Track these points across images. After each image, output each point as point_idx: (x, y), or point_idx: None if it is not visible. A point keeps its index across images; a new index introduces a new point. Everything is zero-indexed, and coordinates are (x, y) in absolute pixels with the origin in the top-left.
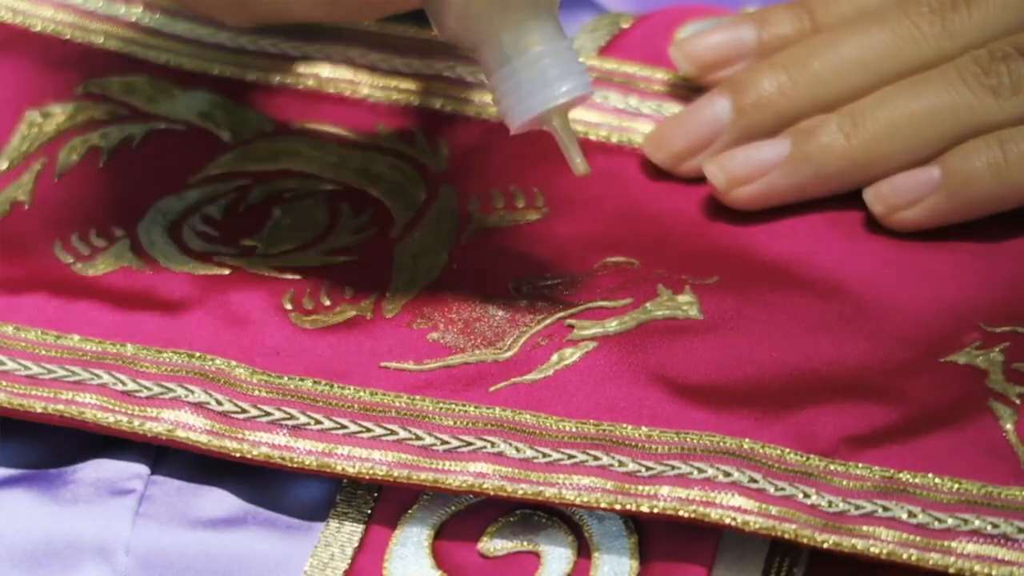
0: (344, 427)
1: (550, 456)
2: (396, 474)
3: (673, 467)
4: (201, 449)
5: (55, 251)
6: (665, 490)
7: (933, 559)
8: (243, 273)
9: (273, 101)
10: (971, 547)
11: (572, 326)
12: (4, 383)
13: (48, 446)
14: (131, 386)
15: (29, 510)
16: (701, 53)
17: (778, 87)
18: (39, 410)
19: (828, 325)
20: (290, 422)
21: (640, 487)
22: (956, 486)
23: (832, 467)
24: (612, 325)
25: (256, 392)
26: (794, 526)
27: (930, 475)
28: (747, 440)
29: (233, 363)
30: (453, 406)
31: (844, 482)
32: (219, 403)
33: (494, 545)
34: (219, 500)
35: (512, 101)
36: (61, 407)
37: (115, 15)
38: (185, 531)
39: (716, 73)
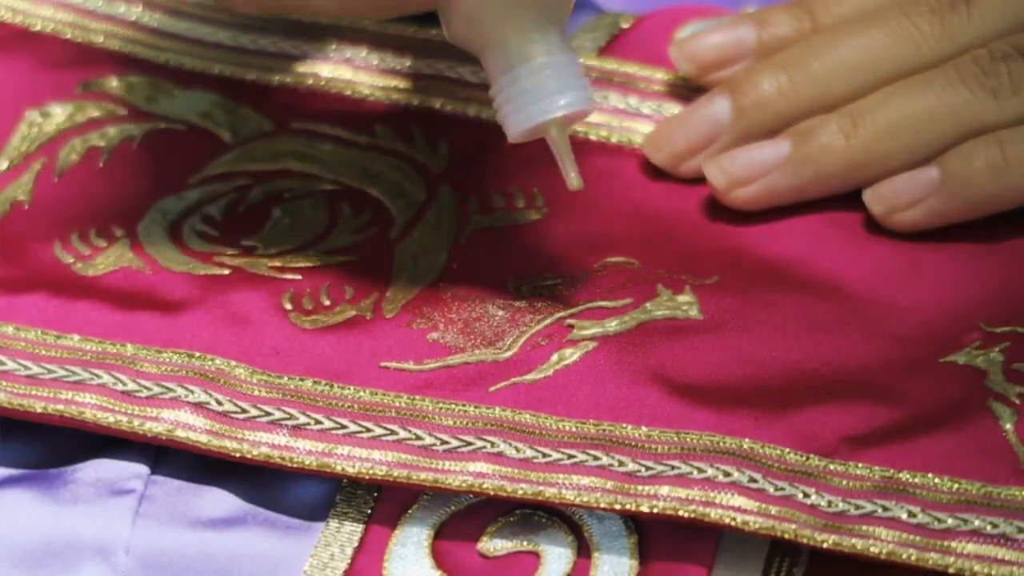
0: (344, 427)
1: (550, 456)
2: (396, 474)
3: (673, 467)
4: (201, 449)
5: (55, 251)
6: (665, 490)
7: (933, 559)
8: (243, 273)
9: (273, 101)
10: (971, 547)
11: (572, 326)
12: (4, 383)
13: (48, 446)
14: (131, 386)
15: (29, 510)
16: (701, 53)
17: (778, 87)
18: (39, 410)
19: (828, 325)
20: (290, 422)
21: (640, 487)
22: (956, 486)
23: (832, 467)
24: (612, 325)
25: (256, 392)
26: (794, 526)
27: (930, 475)
28: (747, 440)
29: (233, 363)
30: (453, 406)
31: (844, 482)
32: (219, 403)
33: (494, 545)
34: (219, 500)
35: (512, 109)
36: (61, 407)
37: (115, 14)
38: (185, 531)
39: (716, 73)
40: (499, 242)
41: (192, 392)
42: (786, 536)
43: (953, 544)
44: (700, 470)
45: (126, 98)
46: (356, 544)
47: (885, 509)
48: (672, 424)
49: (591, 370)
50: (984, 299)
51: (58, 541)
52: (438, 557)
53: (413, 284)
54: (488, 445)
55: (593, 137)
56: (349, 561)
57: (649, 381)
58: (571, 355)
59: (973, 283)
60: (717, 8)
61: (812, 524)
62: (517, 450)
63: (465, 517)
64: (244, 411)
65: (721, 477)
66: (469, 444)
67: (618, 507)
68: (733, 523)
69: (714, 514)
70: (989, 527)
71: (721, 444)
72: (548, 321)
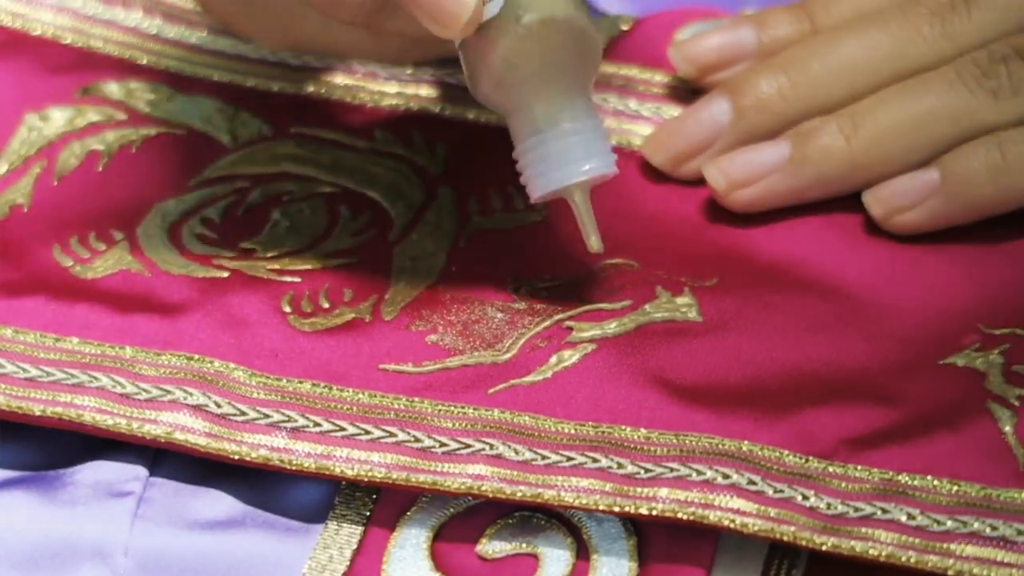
0: (343, 429)
1: (549, 458)
2: (395, 476)
3: (672, 469)
4: (200, 452)
5: (54, 254)
6: (664, 492)
7: (932, 561)
8: (242, 276)
9: (272, 107)
10: (970, 549)
11: (571, 328)
12: (3, 386)
13: (47, 448)
14: (130, 388)
15: (28, 512)
16: (701, 55)
17: (777, 89)
18: (38, 412)
19: (827, 327)
20: (289, 424)
21: (639, 489)
22: (955, 488)
23: (831, 469)
24: (611, 327)
25: (255, 394)
26: (793, 528)
27: (929, 477)
28: (746, 442)
29: (232, 365)
30: (452, 408)
31: (843, 484)
32: (218, 405)
33: (493, 547)
34: (217, 502)
35: (537, 172)
36: (60, 410)
37: (114, 20)
38: (183, 533)
39: (716, 75)
40: (498, 244)
41: (191, 394)
42: (785, 538)
43: (952, 546)
44: (699, 472)
45: (125, 102)
46: (355, 546)
47: (884, 511)
48: (671, 426)
49: (590, 372)
50: (983, 301)
51: (57, 543)
52: (437, 559)
53: (412, 286)
54: (487, 447)
55: None
56: (348, 563)
57: (648, 383)
58: (570, 357)
59: (972, 285)
60: (717, 10)
61: (811, 526)
62: (516, 452)
63: (464, 519)
64: (243, 413)
65: (720, 479)
66: (468, 446)
67: (617, 509)
68: (732, 525)
69: (713, 516)
70: (988, 529)
71: (720, 446)
72: (547, 323)
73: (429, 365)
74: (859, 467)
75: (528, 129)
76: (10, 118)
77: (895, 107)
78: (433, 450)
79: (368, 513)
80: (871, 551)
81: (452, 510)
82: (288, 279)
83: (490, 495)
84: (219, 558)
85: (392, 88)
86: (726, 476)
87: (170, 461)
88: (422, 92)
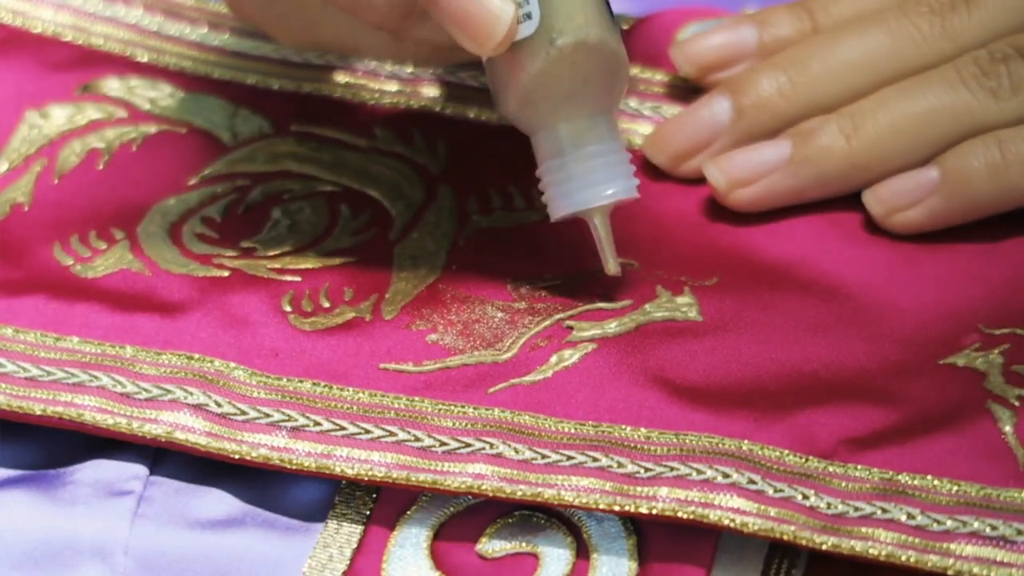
0: (343, 428)
1: (549, 457)
2: (395, 475)
3: (672, 468)
4: (200, 451)
5: (54, 253)
6: (664, 491)
7: (932, 561)
8: (242, 275)
9: (273, 105)
10: (970, 549)
11: (571, 327)
12: (3, 385)
13: (47, 447)
14: (130, 388)
15: (28, 511)
16: (702, 54)
17: (778, 88)
18: (38, 412)
19: (827, 327)
20: (289, 424)
21: (639, 488)
22: (955, 488)
23: (831, 469)
24: (611, 326)
25: (255, 394)
26: (793, 528)
27: (929, 477)
28: (746, 441)
29: (232, 365)
30: (452, 407)
31: (843, 484)
32: (218, 405)
33: (493, 546)
34: (218, 501)
35: (559, 192)
36: (60, 409)
37: (115, 17)
38: (184, 532)
39: (716, 74)
40: (498, 243)
41: (191, 394)
42: (785, 538)
43: (952, 546)
44: (699, 471)
45: (126, 100)
46: (355, 545)
47: (884, 511)
48: (671, 425)
49: (590, 371)
50: (983, 301)
51: (57, 542)
52: (437, 558)
53: (412, 285)
54: (487, 446)
55: None
56: (348, 562)
57: (648, 382)
58: (570, 356)
59: (972, 285)
60: (717, 9)
61: (811, 526)
62: (516, 451)
63: (464, 518)
64: (243, 413)
65: (720, 479)
66: (468, 445)
67: (617, 508)
68: (732, 524)
69: (713, 515)
70: (988, 529)
71: (720, 445)
72: (547, 322)
73: (429, 364)
74: (859, 467)
75: (552, 149)
76: (10, 116)
77: (895, 107)
78: (433, 449)
79: (368, 512)
80: (871, 551)
81: (452, 509)
82: (288, 278)
83: (490, 494)
84: (219, 557)
85: (393, 87)
86: (726, 475)
87: (170, 460)
88: (423, 91)
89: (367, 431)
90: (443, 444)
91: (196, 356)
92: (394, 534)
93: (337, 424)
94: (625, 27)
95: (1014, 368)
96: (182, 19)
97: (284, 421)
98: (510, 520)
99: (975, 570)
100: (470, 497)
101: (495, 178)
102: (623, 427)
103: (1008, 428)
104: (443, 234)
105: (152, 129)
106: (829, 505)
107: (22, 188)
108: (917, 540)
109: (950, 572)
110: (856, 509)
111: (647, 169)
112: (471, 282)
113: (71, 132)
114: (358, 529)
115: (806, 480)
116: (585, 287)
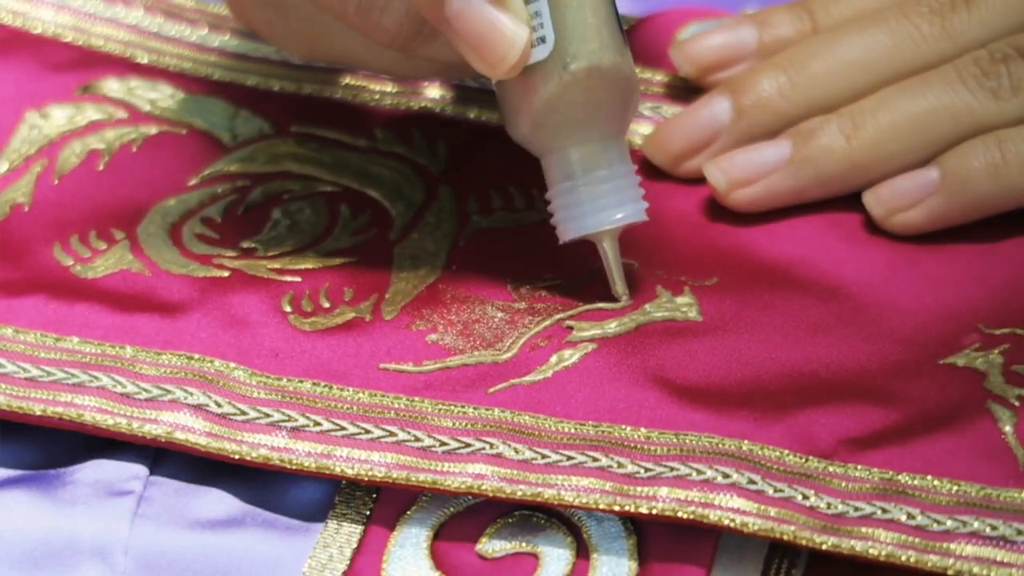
0: (343, 429)
1: (549, 457)
2: (395, 476)
3: (672, 468)
4: (200, 451)
5: (54, 253)
6: (664, 491)
7: (932, 561)
8: (242, 275)
9: (273, 106)
10: (970, 549)
11: (571, 327)
12: (3, 385)
13: (47, 447)
14: (130, 388)
15: (28, 511)
16: (702, 54)
17: (778, 88)
18: (38, 412)
19: (827, 327)
20: (289, 424)
21: (639, 488)
22: (955, 488)
23: (831, 469)
24: (611, 326)
25: (255, 394)
26: (793, 528)
27: (929, 477)
28: (746, 441)
29: (232, 365)
30: (452, 407)
31: (843, 484)
32: (218, 405)
33: (493, 546)
34: (218, 501)
35: (568, 216)
36: (60, 409)
37: (115, 18)
38: (184, 532)
39: (716, 74)
40: (498, 243)
41: (191, 394)
42: (785, 538)
43: (952, 546)
44: (699, 471)
45: (126, 101)
46: (355, 545)
47: (884, 511)
48: (671, 425)
49: (590, 371)
50: (983, 301)
51: (57, 542)
52: (437, 558)
53: (412, 286)
54: (487, 446)
55: None
56: (348, 562)
57: (648, 382)
58: (570, 356)
59: (972, 285)
60: (717, 9)
61: (811, 526)
62: (516, 451)
63: (464, 518)
64: (243, 413)
65: (720, 479)
66: (468, 445)
67: (617, 508)
68: (732, 524)
69: (713, 515)
70: (988, 529)
71: (720, 446)
72: (547, 322)
73: (429, 364)
74: (859, 467)
75: (563, 172)
76: (11, 116)
77: (895, 107)
78: (433, 449)
79: (368, 512)
80: (871, 551)
81: (452, 509)
82: (288, 278)
83: (490, 494)
84: (219, 557)
85: (393, 87)
86: (726, 475)
87: (170, 460)
88: (423, 92)
89: (367, 431)
90: (443, 444)
91: (196, 356)
92: (394, 534)
93: (337, 424)
94: (625, 28)
95: (1014, 368)
96: (182, 20)
97: (284, 421)
98: (510, 520)
99: (975, 570)
100: (470, 497)
101: (495, 178)
102: (623, 427)
103: (1008, 428)
104: (443, 234)
105: (152, 130)
106: (829, 505)
107: (22, 188)
108: (917, 540)
109: (950, 572)
110: (856, 509)
111: (647, 169)
112: (471, 282)
113: (71, 133)
114: (358, 529)
115: (806, 480)
116: (585, 287)
